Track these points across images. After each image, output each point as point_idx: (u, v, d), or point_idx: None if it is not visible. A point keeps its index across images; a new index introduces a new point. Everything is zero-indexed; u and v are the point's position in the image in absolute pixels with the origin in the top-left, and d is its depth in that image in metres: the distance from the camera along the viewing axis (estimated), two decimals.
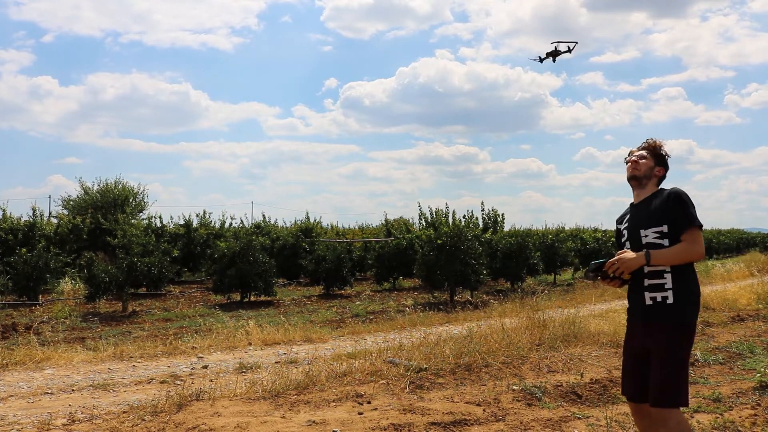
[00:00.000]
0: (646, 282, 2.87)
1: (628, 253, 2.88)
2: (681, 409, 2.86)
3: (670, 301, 2.81)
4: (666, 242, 2.84)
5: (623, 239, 3.05)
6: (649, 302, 2.86)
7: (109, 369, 6.90)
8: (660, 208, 2.90)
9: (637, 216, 3.00)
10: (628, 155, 3.17)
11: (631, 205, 3.13)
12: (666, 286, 2.82)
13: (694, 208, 2.86)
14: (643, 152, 3.10)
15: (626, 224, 3.06)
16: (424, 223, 18.55)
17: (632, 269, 2.86)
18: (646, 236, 2.90)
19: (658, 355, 2.80)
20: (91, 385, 6.07)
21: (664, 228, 2.86)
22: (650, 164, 3.07)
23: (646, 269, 2.85)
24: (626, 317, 3.12)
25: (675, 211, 2.85)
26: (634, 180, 3.07)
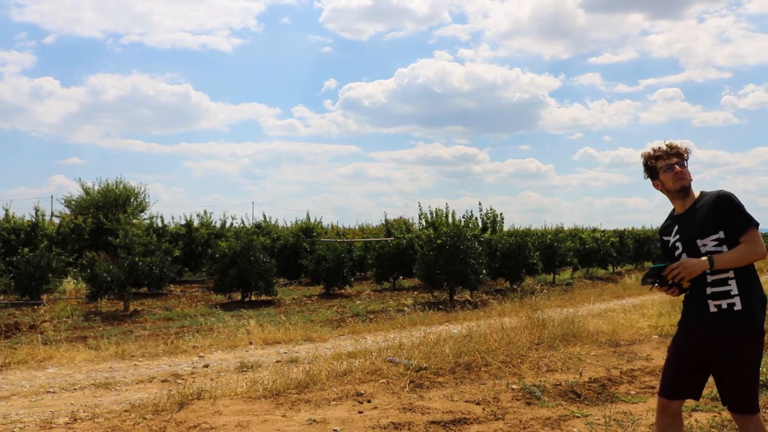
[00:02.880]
0: (709, 290, 2.78)
1: (688, 259, 2.77)
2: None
3: (738, 307, 2.73)
4: (724, 249, 2.76)
5: (677, 252, 2.92)
6: (714, 309, 2.77)
7: (111, 368, 6.94)
8: (713, 214, 2.80)
9: (690, 226, 2.88)
10: (658, 159, 2.98)
11: (675, 215, 2.99)
12: (732, 293, 2.75)
13: (744, 207, 2.80)
14: (681, 160, 2.96)
15: (677, 236, 2.93)
16: (424, 223, 18.58)
17: (695, 275, 2.76)
18: (704, 245, 2.80)
19: (733, 363, 2.75)
20: (92, 384, 6.11)
21: (721, 234, 2.77)
22: (689, 171, 2.96)
23: (709, 278, 2.78)
24: (679, 322, 3.03)
25: (729, 215, 2.78)
26: (684, 191, 2.93)
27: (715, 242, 2.77)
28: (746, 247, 2.73)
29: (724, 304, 2.75)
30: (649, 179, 3.07)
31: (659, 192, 3.06)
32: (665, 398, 2.96)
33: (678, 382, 2.92)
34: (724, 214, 2.78)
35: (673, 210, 3.04)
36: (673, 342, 3.01)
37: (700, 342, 2.83)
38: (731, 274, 2.75)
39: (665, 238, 3.03)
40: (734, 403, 2.78)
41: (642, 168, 3.10)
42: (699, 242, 2.80)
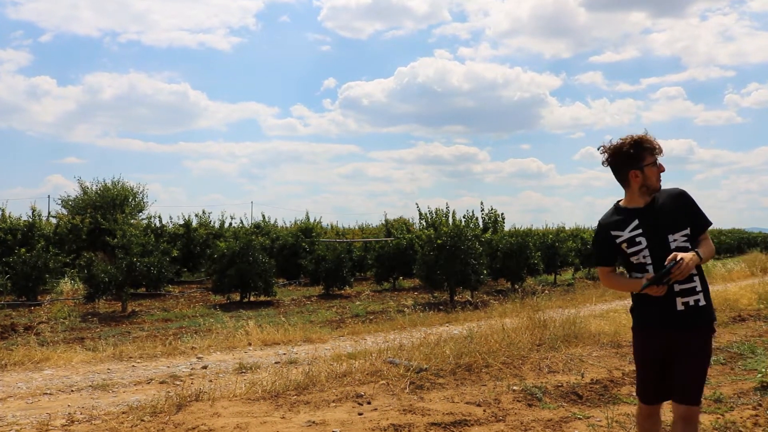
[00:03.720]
0: (677, 287, 2.77)
1: (685, 255, 2.69)
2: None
3: (702, 303, 2.80)
4: (689, 245, 2.79)
5: (639, 247, 2.82)
6: (681, 307, 2.78)
7: (109, 369, 6.89)
8: (679, 210, 2.82)
9: (656, 221, 2.82)
10: (646, 150, 2.83)
11: (632, 209, 2.89)
12: (697, 289, 2.79)
13: None
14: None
15: (639, 231, 2.83)
16: (424, 223, 18.54)
17: (690, 271, 2.71)
18: (675, 240, 2.78)
19: (694, 357, 2.80)
20: (90, 386, 6.06)
21: (688, 230, 2.81)
22: None
23: None
24: (636, 325, 2.96)
25: (694, 213, 2.84)
26: (660, 190, 2.89)
27: (684, 238, 2.79)
28: (709, 244, 2.84)
29: (691, 300, 2.78)
30: (614, 166, 2.89)
31: (657, 184, 2.87)
32: (650, 405, 2.97)
33: (659, 385, 2.92)
34: (689, 211, 2.83)
35: (619, 203, 2.96)
36: (639, 348, 2.98)
37: (667, 340, 2.83)
38: (695, 270, 2.77)
39: (615, 233, 2.89)
40: (692, 396, 2.81)
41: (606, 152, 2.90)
42: (671, 237, 2.79)
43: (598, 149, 2.95)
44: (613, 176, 2.95)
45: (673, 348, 2.83)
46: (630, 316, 3.08)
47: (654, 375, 2.92)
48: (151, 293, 15.16)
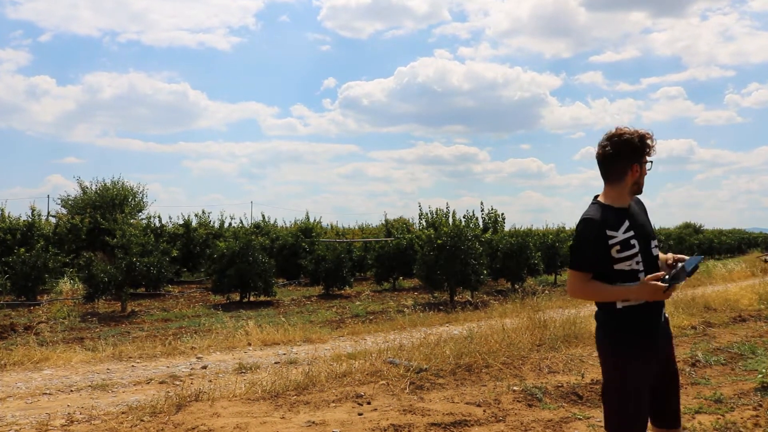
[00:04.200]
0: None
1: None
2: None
3: (667, 315, 2.68)
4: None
5: (633, 251, 2.51)
6: (663, 319, 2.61)
7: (108, 369, 6.88)
8: (647, 217, 2.71)
9: (642, 225, 2.60)
10: (647, 148, 2.58)
11: (620, 209, 2.58)
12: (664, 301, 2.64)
13: None
14: None
15: (632, 233, 2.52)
16: (424, 223, 18.54)
17: None
18: (655, 247, 2.61)
19: (677, 376, 2.67)
20: (89, 386, 6.05)
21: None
22: None
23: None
24: (623, 347, 2.53)
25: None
26: (641, 193, 2.69)
27: (657, 246, 2.65)
28: None
29: (666, 312, 2.65)
30: (617, 156, 2.55)
31: (643, 187, 2.64)
32: None
33: (648, 413, 2.54)
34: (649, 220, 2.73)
35: (600, 200, 2.62)
36: (633, 375, 2.49)
37: (656, 358, 2.55)
38: None
39: (610, 233, 2.50)
40: (678, 417, 2.63)
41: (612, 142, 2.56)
42: (653, 243, 2.58)
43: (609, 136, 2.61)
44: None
45: (661, 367, 2.58)
46: None
47: (646, 405, 2.52)
48: (151, 293, 15.15)
